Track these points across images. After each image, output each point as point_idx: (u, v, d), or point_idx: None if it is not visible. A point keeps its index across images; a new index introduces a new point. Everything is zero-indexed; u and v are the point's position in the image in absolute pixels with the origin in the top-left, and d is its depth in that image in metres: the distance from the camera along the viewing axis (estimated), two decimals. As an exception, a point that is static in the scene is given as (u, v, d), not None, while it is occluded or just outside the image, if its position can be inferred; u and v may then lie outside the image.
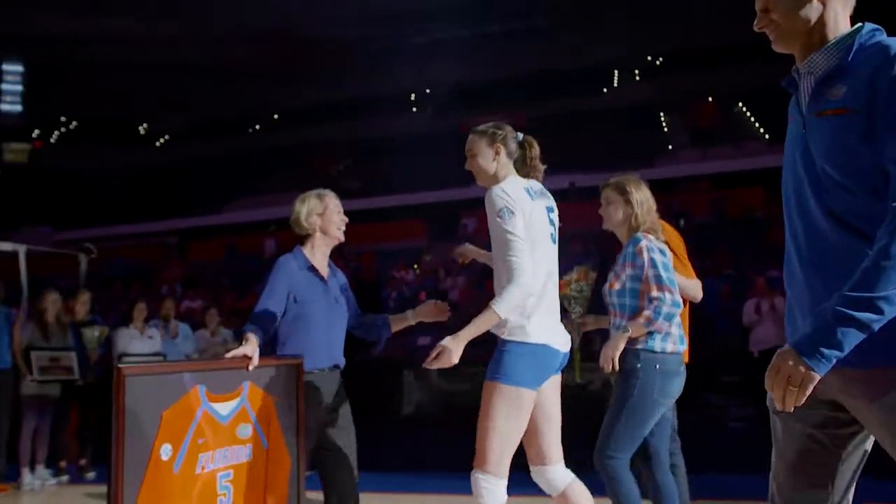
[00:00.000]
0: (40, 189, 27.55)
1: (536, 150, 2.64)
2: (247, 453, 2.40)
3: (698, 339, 4.25)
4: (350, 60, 25.47)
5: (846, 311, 1.22)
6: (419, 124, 26.85)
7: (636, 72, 27.16)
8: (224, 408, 2.33)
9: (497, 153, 2.51)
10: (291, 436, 2.61)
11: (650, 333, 2.76)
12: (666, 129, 25.54)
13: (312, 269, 2.83)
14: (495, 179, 2.49)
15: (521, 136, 2.61)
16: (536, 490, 2.55)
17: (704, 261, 10.62)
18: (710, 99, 24.95)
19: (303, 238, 2.87)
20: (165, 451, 2.08)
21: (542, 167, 2.65)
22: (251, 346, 2.46)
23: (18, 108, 31.49)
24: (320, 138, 27.33)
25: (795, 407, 1.28)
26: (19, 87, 31.80)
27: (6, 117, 31.09)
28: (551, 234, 2.51)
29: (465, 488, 2.40)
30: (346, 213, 2.95)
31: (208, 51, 25.05)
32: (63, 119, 31.94)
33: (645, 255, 2.78)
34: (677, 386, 2.85)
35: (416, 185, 22.12)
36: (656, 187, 3.25)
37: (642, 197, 2.91)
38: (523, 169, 2.60)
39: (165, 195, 26.08)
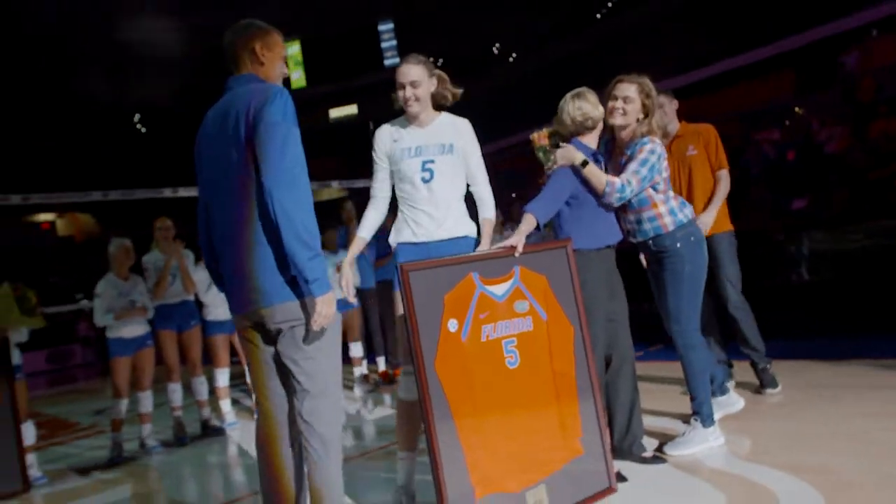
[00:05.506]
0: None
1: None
2: (527, 324, 2.80)
3: None
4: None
5: None
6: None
7: None
8: (499, 289, 2.76)
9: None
10: (571, 307, 2.94)
11: (671, 212, 3.16)
12: None
13: (595, 155, 3.13)
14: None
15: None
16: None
17: None
18: None
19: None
20: (452, 324, 2.61)
21: None
22: (517, 236, 2.84)
23: (396, 61, 36.49)
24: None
25: None
26: (394, 43, 36.74)
27: (389, 72, 36.35)
28: None
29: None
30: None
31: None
32: (430, 60, 35.99)
33: (646, 154, 3.10)
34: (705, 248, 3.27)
35: (779, 32, 19.42)
36: None
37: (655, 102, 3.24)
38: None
39: (530, 108, 27.73)
